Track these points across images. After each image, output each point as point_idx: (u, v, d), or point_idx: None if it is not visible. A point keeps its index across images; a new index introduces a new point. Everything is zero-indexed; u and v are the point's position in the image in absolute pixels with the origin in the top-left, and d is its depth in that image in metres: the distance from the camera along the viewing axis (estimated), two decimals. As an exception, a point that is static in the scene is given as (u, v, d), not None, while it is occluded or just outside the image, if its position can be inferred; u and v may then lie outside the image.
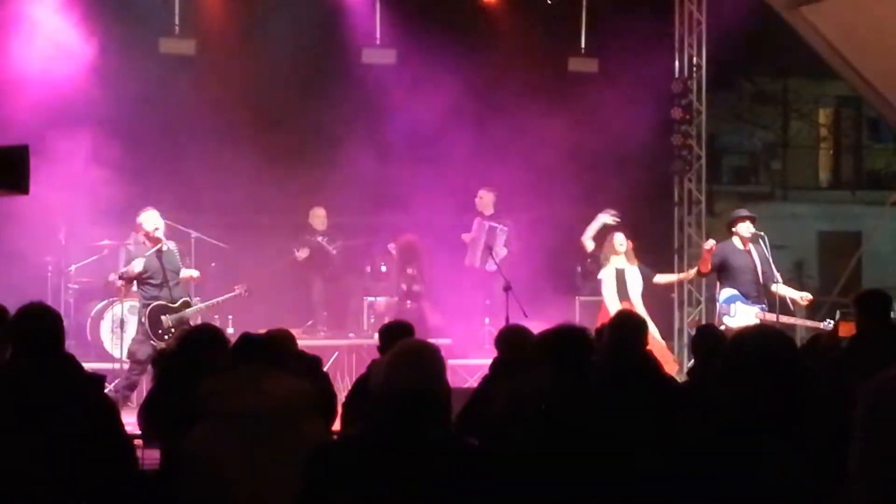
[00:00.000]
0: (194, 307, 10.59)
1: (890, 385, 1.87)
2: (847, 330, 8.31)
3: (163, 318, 10.21)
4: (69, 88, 12.34)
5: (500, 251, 13.08)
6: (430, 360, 3.64)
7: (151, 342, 10.14)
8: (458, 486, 3.45)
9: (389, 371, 3.61)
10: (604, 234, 11.88)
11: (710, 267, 11.00)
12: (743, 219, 11.19)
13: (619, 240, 11.57)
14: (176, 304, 10.31)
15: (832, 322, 10.82)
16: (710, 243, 11.05)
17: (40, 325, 4.51)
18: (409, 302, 12.05)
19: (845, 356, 6.39)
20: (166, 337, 10.11)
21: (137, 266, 10.18)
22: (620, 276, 11.51)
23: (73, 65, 12.47)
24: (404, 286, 12.56)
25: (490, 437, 4.82)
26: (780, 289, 10.94)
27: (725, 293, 10.97)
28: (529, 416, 4.56)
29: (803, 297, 11.05)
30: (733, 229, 11.18)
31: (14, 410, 4.27)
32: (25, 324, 4.52)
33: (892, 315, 7.19)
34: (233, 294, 11.05)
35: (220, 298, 11.13)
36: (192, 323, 10.17)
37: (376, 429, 3.54)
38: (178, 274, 10.38)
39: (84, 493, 4.04)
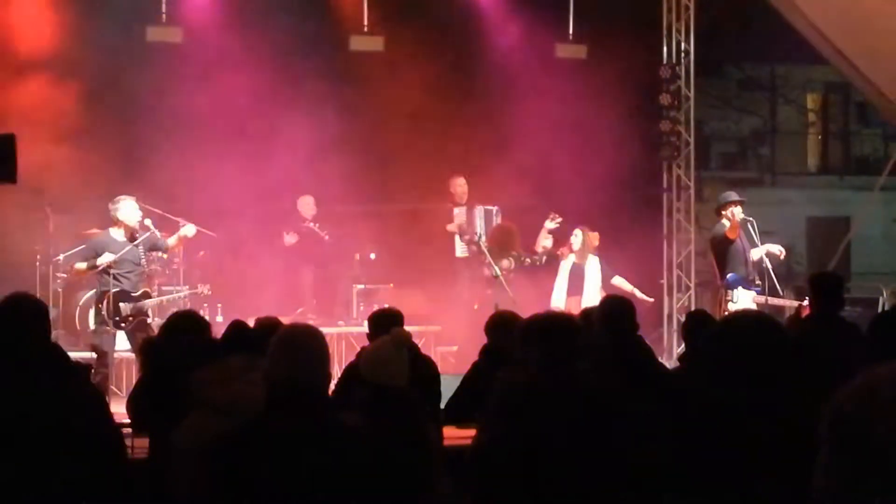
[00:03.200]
0: (154, 299, 10.59)
1: (858, 398, 1.78)
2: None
3: (121, 305, 10.09)
4: (54, 74, 12.29)
5: None
6: (308, 347, 3.70)
7: (107, 328, 9.99)
8: (338, 467, 3.50)
9: (270, 360, 3.68)
10: (565, 231, 11.96)
11: (737, 234, 11.02)
12: (734, 203, 11.19)
13: (575, 238, 11.74)
14: (136, 294, 10.26)
15: None
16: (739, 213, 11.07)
17: (21, 316, 4.39)
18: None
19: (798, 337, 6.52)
20: (123, 325, 10.03)
21: (106, 258, 10.02)
22: (575, 270, 11.56)
23: (59, 52, 12.41)
24: (503, 271, 12.06)
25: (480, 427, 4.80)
26: (755, 253, 11.07)
27: (729, 276, 10.97)
28: (519, 406, 4.55)
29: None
30: (723, 213, 11.17)
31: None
32: (6, 314, 4.37)
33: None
34: (194, 291, 11.26)
35: (179, 294, 11.21)
36: (149, 314, 10.23)
37: (265, 416, 3.62)
38: (139, 266, 10.31)
39: (73, 484, 4.01)
